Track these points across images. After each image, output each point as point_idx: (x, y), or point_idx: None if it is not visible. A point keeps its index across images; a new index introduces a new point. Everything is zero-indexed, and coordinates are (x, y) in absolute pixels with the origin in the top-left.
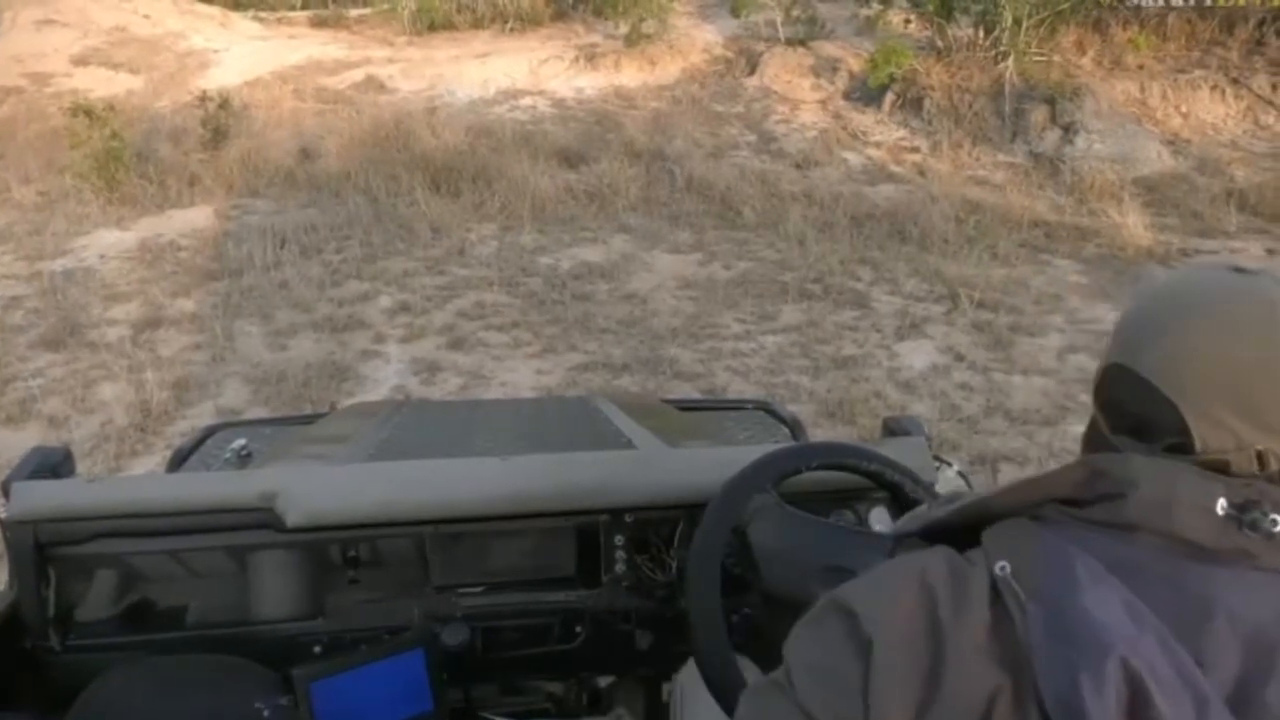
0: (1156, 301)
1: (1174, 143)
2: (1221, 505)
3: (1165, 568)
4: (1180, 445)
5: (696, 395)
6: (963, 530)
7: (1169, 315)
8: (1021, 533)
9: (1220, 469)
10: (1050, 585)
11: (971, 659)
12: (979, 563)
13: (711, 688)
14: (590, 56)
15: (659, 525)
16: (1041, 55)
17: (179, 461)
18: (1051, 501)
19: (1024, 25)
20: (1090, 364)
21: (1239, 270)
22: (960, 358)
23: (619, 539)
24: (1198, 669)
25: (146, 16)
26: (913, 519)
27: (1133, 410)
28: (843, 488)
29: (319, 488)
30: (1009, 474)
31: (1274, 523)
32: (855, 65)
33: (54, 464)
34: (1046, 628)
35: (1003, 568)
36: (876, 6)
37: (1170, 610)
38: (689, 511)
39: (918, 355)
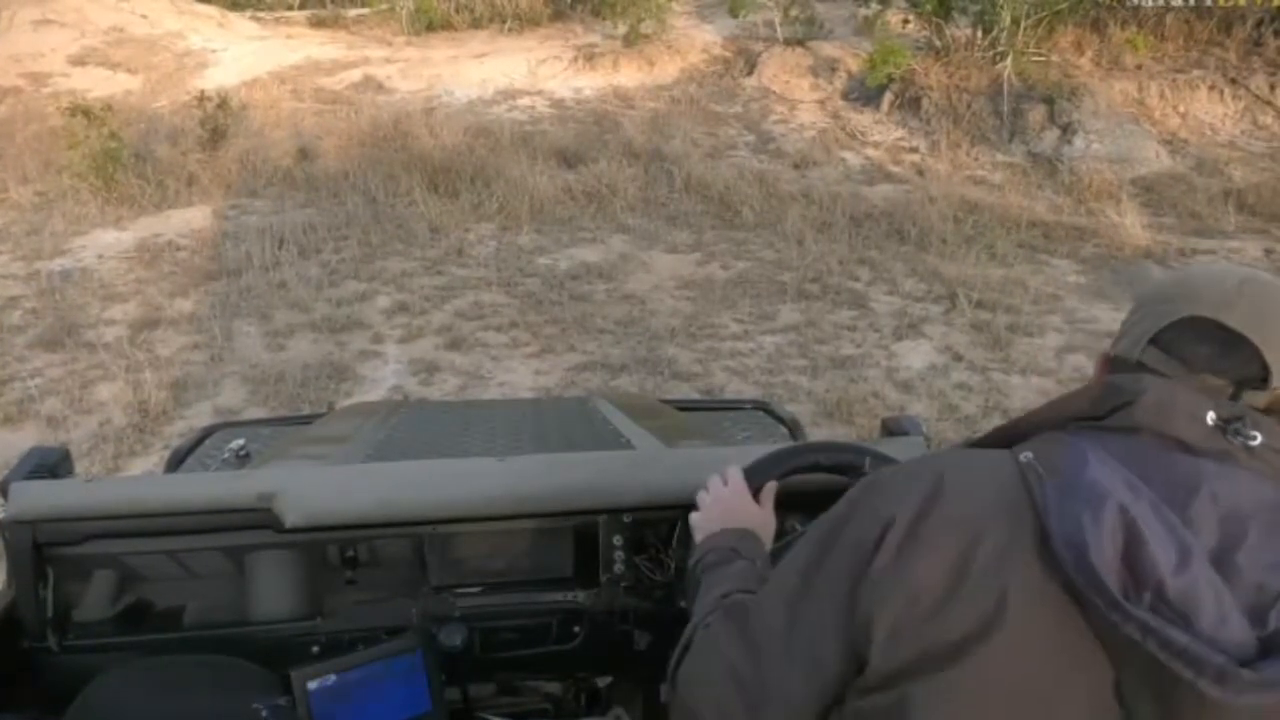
0: (1220, 274)
1: (1172, 143)
2: (1211, 417)
3: (1162, 458)
4: (1262, 380)
5: (695, 395)
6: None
7: (1241, 283)
8: (1047, 438)
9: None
10: (1064, 465)
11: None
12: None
13: None
14: (589, 57)
15: (657, 525)
16: (1039, 55)
17: (177, 462)
18: (1075, 420)
19: (1022, 25)
20: (1088, 363)
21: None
22: (958, 357)
23: (617, 539)
24: (1185, 528)
25: (144, 16)
26: (957, 444)
27: (1214, 353)
28: (829, 488)
29: (317, 488)
30: None
31: (1253, 437)
32: (853, 65)
33: (52, 464)
34: (1058, 491)
35: (1027, 456)
36: (875, 6)
37: (1162, 488)
38: (687, 512)
39: (916, 355)
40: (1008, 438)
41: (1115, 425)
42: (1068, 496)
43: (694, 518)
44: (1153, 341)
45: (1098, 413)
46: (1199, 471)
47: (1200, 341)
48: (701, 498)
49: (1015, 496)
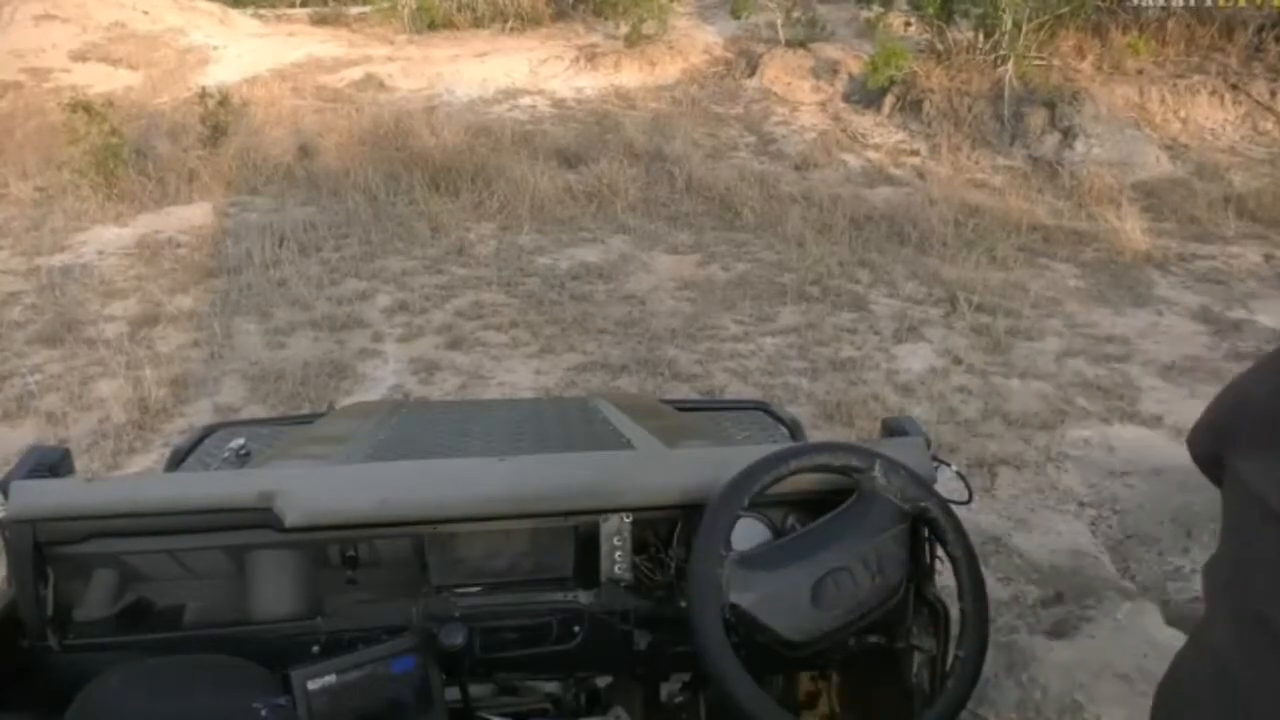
0: None
1: (1172, 147)
2: None
3: None
4: None
5: (695, 396)
6: None
7: None
8: None
9: None
10: None
11: None
12: None
13: (719, 687)
14: (590, 57)
15: (657, 525)
16: (1041, 59)
17: (177, 461)
18: None
19: (1023, 29)
20: (1088, 368)
21: None
22: (958, 361)
23: (617, 539)
24: None
25: (146, 13)
26: None
27: None
28: (828, 488)
29: (318, 487)
30: (1006, 478)
31: None
32: (855, 67)
33: (52, 463)
34: None
35: None
36: (877, 9)
37: None
38: (687, 511)
39: (916, 358)
40: None
41: None
42: None
43: None
44: None
45: None
46: None
47: None
48: None
49: None
